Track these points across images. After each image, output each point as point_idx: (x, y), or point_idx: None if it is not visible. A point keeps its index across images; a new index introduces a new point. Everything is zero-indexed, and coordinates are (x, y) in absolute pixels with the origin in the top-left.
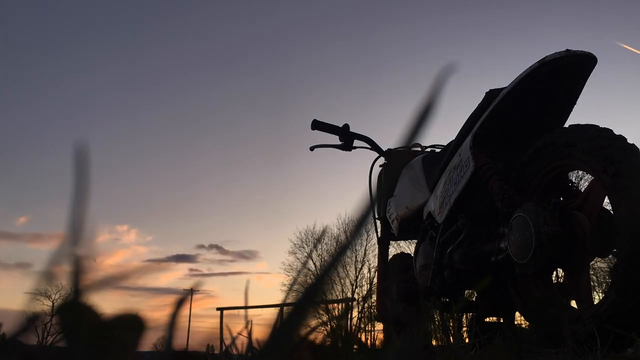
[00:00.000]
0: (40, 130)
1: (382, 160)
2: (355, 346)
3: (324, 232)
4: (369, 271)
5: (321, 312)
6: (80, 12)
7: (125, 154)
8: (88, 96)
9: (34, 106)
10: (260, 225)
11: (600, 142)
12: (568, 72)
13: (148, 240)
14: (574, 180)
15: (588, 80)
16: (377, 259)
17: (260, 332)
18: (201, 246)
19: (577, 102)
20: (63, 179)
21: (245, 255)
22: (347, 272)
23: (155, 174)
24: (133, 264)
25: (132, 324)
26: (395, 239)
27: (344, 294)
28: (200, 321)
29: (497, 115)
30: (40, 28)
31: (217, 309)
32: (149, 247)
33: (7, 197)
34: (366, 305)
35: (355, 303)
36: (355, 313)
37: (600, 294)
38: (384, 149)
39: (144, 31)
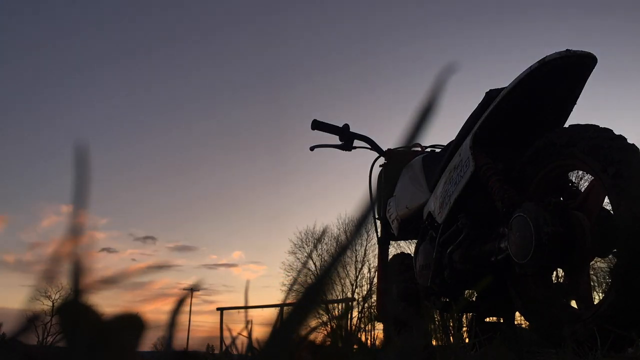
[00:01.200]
0: None
1: (382, 160)
2: (355, 346)
3: (324, 232)
4: (369, 271)
5: (321, 312)
6: (81, 13)
7: (125, 152)
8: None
9: None
10: (261, 225)
11: (600, 142)
12: (568, 72)
13: (102, 223)
14: (574, 180)
15: (588, 80)
16: (377, 259)
17: (260, 332)
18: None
19: (577, 102)
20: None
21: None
22: (347, 272)
23: (155, 175)
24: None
25: (132, 324)
26: (395, 239)
27: (344, 294)
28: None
29: (497, 115)
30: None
31: (217, 309)
32: (106, 232)
33: None
34: (366, 305)
35: (355, 303)
36: (355, 313)
37: (600, 294)
38: (384, 149)
39: (143, 29)
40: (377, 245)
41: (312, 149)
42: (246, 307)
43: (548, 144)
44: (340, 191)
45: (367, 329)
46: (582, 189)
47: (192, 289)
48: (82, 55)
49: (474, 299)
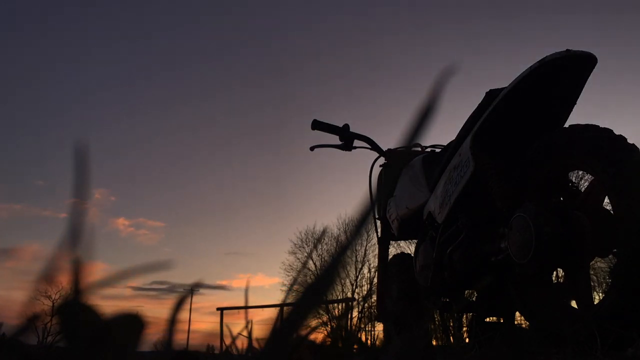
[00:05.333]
0: None
1: (382, 160)
2: (355, 346)
3: (324, 232)
4: (369, 271)
5: (321, 312)
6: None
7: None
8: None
9: None
10: (260, 225)
11: (600, 142)
12: (568, 72)
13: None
14: (574, 180)
15: (588, 80)
16: (377, 259)
17: (260, 332)
18: None
19: (577, 102)
20: None
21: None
22: (347, 272)
23: (153, 173)
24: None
25: (132, 324)
26: (395, 239)
27: (344, 294)
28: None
29: (497, 115)
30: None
31: (217, 309)
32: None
33: None
34: (366, 305)
35: (355, 303)
36: (355, 313)
37: (600, 294)
38: (384, 149)
39: (143, 26)
40: (377, 245)
41: (312, 149)
42: (246, 307)
43: (548, 144)
44: (340, 191)
45: (367, 329)
46: (582, 189)
47: (192, 289)
48: (83, 54)
49: (474, 299)
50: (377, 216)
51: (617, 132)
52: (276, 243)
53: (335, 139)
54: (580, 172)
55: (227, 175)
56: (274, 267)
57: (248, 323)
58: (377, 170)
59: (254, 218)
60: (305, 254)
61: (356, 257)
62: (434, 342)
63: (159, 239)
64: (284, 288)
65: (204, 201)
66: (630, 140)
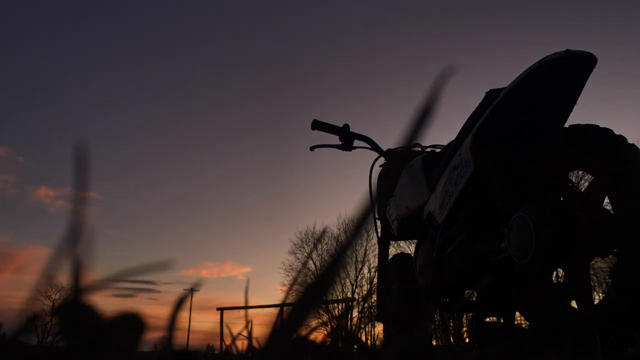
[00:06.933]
0: None
1: (382, 160)
2: (355, 346)
3: (324, 232)
4: (369, 271)
5: (321, 312)
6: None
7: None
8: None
9: None
10: (260, 225)
11: (600, 142)
12: (568, 72)
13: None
14: (574, 180)
15: (588, 80)
16: (377, 259)
17: (260, 332)
18: None
19: (577, 102)
20: None
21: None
22: (347, 272)
23: (155, 172)
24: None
25: (132, 324)
26: (395, 239)
27: (344, 294)
28: None
29: (497, 115)
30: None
31: (217, 309)
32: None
33: None
34: (366, 305)
35: (355, 303)
36: (355, 313)
37: (600, 294)
38: (384, 149)
39: (142, 27)
40: (377, 245)
41: (312, 149)
42: (246, 307)
43: (548, 144)
44: (340, 191)
45: (367, 329)
46: (582, 189)
47: (192, 289)
48: (81, 53)
49: (474, 299)
50: (377, 216)
51: (617, 132)
52: (252, 232)
53: (335, 139)
54: (580, 172)
55: (225, 176)
56: (244, 254)
57: (248, 323)
58: (377, 170)
59: (252, 218)
60: (305, 254)
61: (356, 257)
62: (434, 342)
63: (97, 216)
64: (284, 288)
65: (161, 174)
66: (630, 140)
